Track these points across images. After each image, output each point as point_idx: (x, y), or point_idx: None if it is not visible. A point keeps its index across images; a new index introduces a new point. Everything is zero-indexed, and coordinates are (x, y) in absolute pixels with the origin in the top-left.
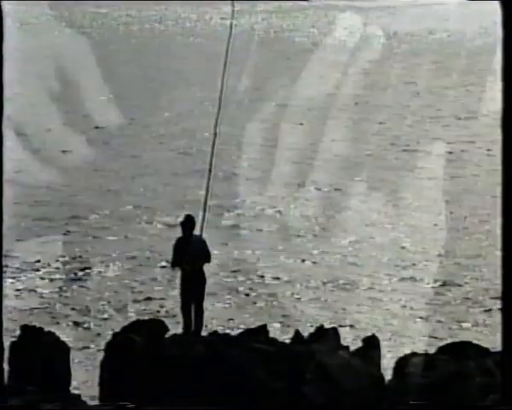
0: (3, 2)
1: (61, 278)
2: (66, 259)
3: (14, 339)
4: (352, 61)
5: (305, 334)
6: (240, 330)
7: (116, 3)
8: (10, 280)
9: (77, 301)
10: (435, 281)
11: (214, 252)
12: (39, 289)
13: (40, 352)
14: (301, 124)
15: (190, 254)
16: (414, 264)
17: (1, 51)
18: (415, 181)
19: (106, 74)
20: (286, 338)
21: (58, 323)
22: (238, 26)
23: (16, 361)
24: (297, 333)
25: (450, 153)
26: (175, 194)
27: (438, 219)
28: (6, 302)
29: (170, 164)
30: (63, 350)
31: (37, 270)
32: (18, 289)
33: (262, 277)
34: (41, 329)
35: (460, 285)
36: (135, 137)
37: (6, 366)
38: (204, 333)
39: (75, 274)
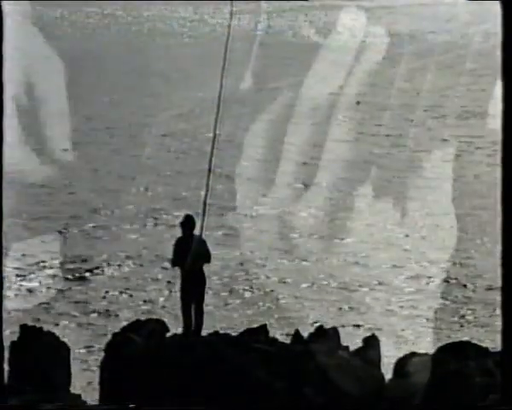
0: (3, 2)
1: (65, 278)
2: (67, 258)
3: (13, 339)
4: (354, 60)
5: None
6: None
7: (116, 4)
8: (12, 280)
9: (79, 301)
10: (438, 281)
11: (214, 252)
12: (42, 289)
13: (40, 352)
14: (304, 124)
15: (190, 255)
16: (417, 264)
17: (1, 51)
18: (418, 181)
19: (107, 75)
20: (288, 339)
21: (57, 324)
22: (237, 26)
23: (16, 361)
24: (297, 333)
25: (455, 154)
26: (176, 194)
27: (441, 219)
28: (9, 303)
29: (170, 164)
30: (63, 350)
31: (39, 270)
32: (19, 290)
33: (266, 277)
34: (40, 329)
35: (464, 285)
36: (136, 137)
37: (6, 366)
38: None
39: (78, 274)
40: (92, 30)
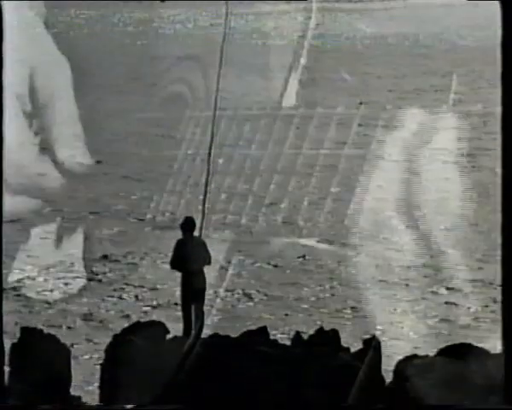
0: (3, 3)
1: (88, 279)
2: (90, 259)
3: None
4: (360, 64)
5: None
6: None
7: (115, 5)
8: (37, 279)
9: (98, 302)
10: None
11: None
12: (65, 289)
13: (40, 353)
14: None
15: (190, 256)
16: None
17: (1, 51)
18: None
19: (107, 76)
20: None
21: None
22: (235, 27)
23: (16, 362)
24: (297, 335)
25: None
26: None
27: None
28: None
29: (186, 167)
30: (64, 352)
31: (67, 271)
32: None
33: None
34: (41, 331)
35: None
36: (150, 142)
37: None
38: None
39: (102, 274)
40: (89, 31)
